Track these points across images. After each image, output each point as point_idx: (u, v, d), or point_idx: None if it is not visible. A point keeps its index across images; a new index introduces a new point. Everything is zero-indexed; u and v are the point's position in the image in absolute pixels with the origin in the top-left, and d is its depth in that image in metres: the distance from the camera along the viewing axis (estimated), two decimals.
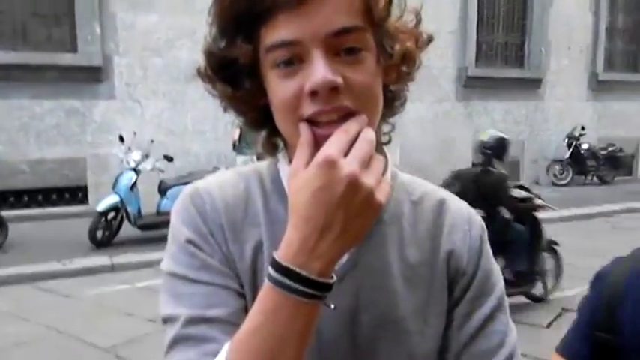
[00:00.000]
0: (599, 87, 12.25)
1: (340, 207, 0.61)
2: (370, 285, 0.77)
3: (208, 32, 0.71)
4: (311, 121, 0.67)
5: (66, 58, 7.93)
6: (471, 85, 10.81)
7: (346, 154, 0.62)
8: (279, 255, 0.63)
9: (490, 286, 0.81)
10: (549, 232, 5.62)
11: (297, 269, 0.61)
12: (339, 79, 0.64)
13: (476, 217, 0.85)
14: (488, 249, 0.83)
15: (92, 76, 8.10)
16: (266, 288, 0.63)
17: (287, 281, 0.61)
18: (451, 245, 0.81)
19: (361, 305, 0.76)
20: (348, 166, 0.60)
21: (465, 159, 11.11)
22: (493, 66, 11.28)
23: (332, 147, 0.61)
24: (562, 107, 11.97)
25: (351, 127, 0.64)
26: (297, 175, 0.63)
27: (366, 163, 0.62)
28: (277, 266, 0.62)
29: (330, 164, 0.60)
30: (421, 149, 10.48)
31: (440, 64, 10.35)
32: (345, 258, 0.74)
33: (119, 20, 8.19)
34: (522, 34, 11.55)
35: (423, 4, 0.78)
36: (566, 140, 11.38)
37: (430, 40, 0.78)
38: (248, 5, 0.65)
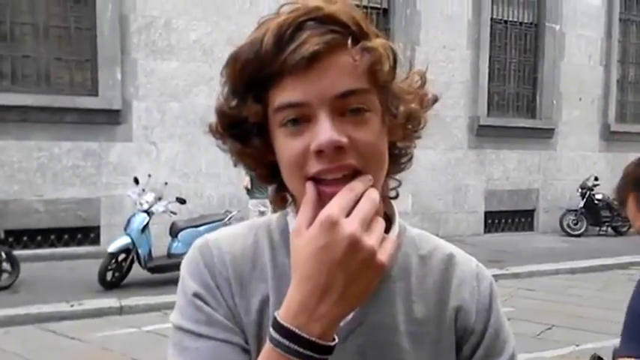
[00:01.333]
0: (611, 138, 12.25)
1: (341, 267, 0.61)
2: (376, 342, 0.76)
3: (221, 92, 0.74)
4: (317, 179, 0.68)
5: (86, 102, 8.13)
6: (483, 134, 10.88)
7: (349, 214, 0.62)
8: (280, 315, 0.63)
9: (500, 345, 0.80)
10: (562, 283, 5.54)
11: (297, 331, 0.61)
12: (344, 139, 0.66)
13: (485, 272, 0.84)
14: (497, 305, 0.82)
15: (111, 119, 8.28)
16: (267, 348, 0.63)
17: (287, 343, 0.61)
18: (459, 301, 0.80)
19: None
20: (349, 225, 0.61)
21: (477, 206, 11.08)
22: (505, 115, 11.36)
23: (334, 206, 0.62)
24: (575, 157, 11.96)
25: (355, 186, 0.65)
26: (300, 234, 0.64)
27: (368, 223, 0.63)
28: (277, 327, 0.62)
29: (331, 224, 0.61)
30: (433, 196, 10.46)
31: (452, 112, 10.46)
32: (350, 315, 0.74)
33: (140, 66, 8.43)
34: (534, 86, 11.67)
35: (427, 67, 0.80)
36: (580, 190, 11.30)
37: (435, 100, 0.79)
38: (258, 68, 0.68)
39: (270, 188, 0.80)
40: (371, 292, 0.65)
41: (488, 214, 11.17)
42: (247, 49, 0.69)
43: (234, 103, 0.73)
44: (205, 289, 0.75)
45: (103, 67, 8.21)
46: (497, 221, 11.37)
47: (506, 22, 11.32)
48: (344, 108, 0.68)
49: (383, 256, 0.62)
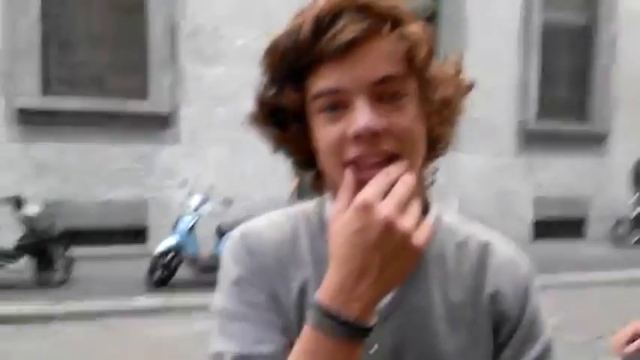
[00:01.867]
0: None
1: (376, 250, 0.62)
2: (413, 325, 0.77)
3: (260, 81, 0.76)
4: (355, 164, 0.70)
5: (137, 106, 8.39)
6: (532, 139, 10.61)
7: (385, 198, 0.63)
8: (320, 296, 0.65)
9: (536, 332, 0.80)
10: (614, 293, 5.35)
11: (336, 312, 0.63)
12: (381, 125, 0.67)
13: (523, 259, 0.84)
14: (534, 292, 0.82)
15: (160, 123, 8.51)
16: (307, 329, 0.65)
17: (326, 323, 0.63)
18: (496, 287, 0.80)
19: (405, 345, 0.77)
20: (384, 209, 0.62)
21: (525, 213, 10.80)
22: (555, 120, 11.05)
23: (369, 190, 0.64)
24: (629, 164, 11.51)
25: (391, 171, 0.66)
26: (337, 218, 0.66)
27: (403, 207, 0.63)
28: (317, 308, 0.64)
29: (366, 207, 0.62)
30: (480, 202, 10.27)
31: (500, 117, 10.25)
32: (388, 298, 0.76)
33: (188, 72, 8.63)
34: (586, 90, 11.31)
35: (462, 56, 0.80)
36: (634, 198, 10.87)
37: (471, 87, 0.79)
38: (297, 57, 0.70)
39: (309, 175, 0.81)
40: (407, 274, 0.66)
41: (537, 222, 10.88)
42: (285, 38, 0.71)
43: (272, 91, 0.75)
44: (247, 273, 0.78)
45: (153, 72, 8.45)
46: (546, 229, 11.06)
47: (557, 25, 11.02)
48: (381, 94, 0.69)
49: (419, 239, 0.63)
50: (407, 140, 0.70)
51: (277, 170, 8.50)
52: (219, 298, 0.79)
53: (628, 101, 11.39)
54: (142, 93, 8.53)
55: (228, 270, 0.79)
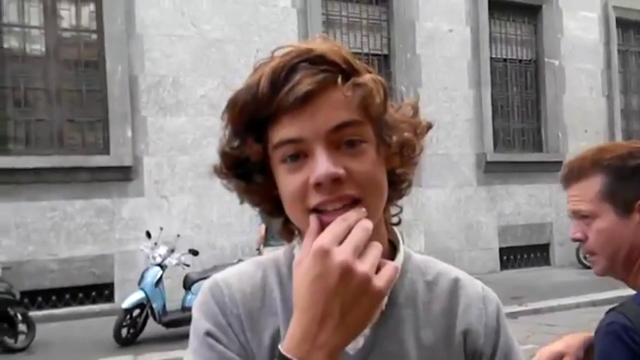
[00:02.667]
0: None
1: (336, 295, 0.62)
2: None
3: (222, 134, 0.78)
4: (318, 211, 0.71)
5: (98, 160, 8.29)
6: (492, 170, 10.89)
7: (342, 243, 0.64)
8: (284, 346, 0.64)
9: None
10: (584, 316, 5.42)
11: None
12: (341, 171, 0.69)
13: (491, 294, 0.85)
14: (505, 327, 0.83)
15: (122, 175, 8.41)
16: None
17: None
18: (467, 325, 0.81)
19: None
20: (341, 254, 0.63)
21: (491, 243, 10.98)
22: (512, 151, 11.41)
23: (326, 236, 0.65)
24: None
25: (348, 216, 0.68)
26: (299, 265, 0.66)
27: (360, 250, 0.64)
28: (281, 358, 0.64)
29: (323, 253, 0.63)
30: (446, 235, 10.40)
31: (459, 151, 10.52)
32: (360, 343, 0.76)
33: (149, 123, 8.62)
34: (538, 120, 11.76)
35: (419, 97, 0.84)
36: None
37: (429, 127, 0.82)
38: (256, 110, 0.72)
39: (276, 222, 0.82)
40: (372, 317, 0.66)
41: (503, 251, 11.05)
42: (245, 93, 0.73)
43: (235, 143, 0.76)
44: (217, 327, 0.77)
45: (113, 126, 8.40)
46: (512, 257, 11.24)
47: (505, 60, 11.52)
48: (339, 141, 0.71)
49: (380, 281, 0.64)
50: (368, 184, 0.71)
51: (243, 217, 8.47)
52: (189, 354, 0.78)
53: (577, 128, 11.87)
54: (103, 147, 8.45)
55: (198, 324, 0.78)
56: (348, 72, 0.72)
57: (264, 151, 0.75)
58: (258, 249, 7.81)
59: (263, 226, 7.66)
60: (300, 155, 0.72)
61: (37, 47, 8.36)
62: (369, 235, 0.66)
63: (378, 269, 0.65)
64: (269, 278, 0.82)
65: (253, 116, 0.73)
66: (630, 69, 13.03)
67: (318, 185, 0.69)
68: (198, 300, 0.81)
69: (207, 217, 8.79)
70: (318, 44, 0.73)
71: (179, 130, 8.76)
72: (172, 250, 7.05)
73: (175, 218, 8.61)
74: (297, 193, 0.72)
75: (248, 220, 8.29)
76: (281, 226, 0.82)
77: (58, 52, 8.35)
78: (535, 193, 11.42)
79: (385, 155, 0.76)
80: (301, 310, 0.64)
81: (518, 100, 11.66)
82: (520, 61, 11.68)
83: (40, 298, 7.96)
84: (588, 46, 12.09)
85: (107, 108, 8.39)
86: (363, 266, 0.63)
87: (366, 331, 0.76)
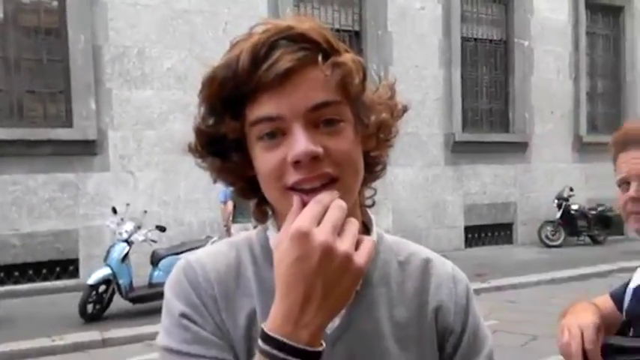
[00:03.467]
0: (584, 149, 12.51)
1: (318, 275, 0.63)
2: (362, 347, 0.78)
3: (198, 112, 0.77)
4: (295, 189, 0.71)
5: (61, 133, 8.06)
6: (459, 150, 11.03)
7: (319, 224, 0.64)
8: (267, 326, 0.64)
9: (479, 344, 0.83)
10: (543, 294, 5.59)
11: (285, 339, 0.63)
12: (319, 149, 0.69)
13: (460, 274, 0.88)
14: (474, 305, 0.86)
15: (87, 149, 8.21)
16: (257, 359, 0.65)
17: (275, 352, 0.63)
18: (438, 302, 0.83)
19: None
20: (320, 234, 0.63)
21: (457, 221, 11.18)
22: (479, 131, 11.56)
23: (303, 219, 0.64)
24: (550, 169, 12.18)
25: (323, 198, 0.68)
26: (279, 247, 0.66)
27: (339, 229, 0.65)
28: (265, 337, 0.64)
29: (302, 235, 0.63)
30: (413, 213, 10.54)
31: (428, 130, 10.60)
32: (336, 322, 0.77)
33: (114, 96, 8.40)
34: (506, 101, 11.92)
35: (396, 79, 0.84)
36: (556, 201, 11.48)
37: (405, 109, 0.82)
38: (235, 86, 0.71)
39: (251, 203, 0.82)
40: (352, 295, 0.66)
41: (468, 229, 11.27)
42: (223, 69, 0.72)
43: (211, 121, 0.76)
44: (191, 307, 0.76)
45: (76, 98, 8.16)
46: (477, 235, 11.48)
47: (476, 39, 11.58)
48: (317, 120, 0.71)
49: (360, 258, 0.64)
50: (346, 163, 0.72)
51: (211, 194, 8.39)
52: (162, 336, 0.77)
53: (544, 110, 12.09)
54: (65, 119, 8.21)
55: (171, 305, 0.77)
56: (328, 51, 0.72)
57: (242, 128, 0.74)
58: (225, 225, 7.77)
59: (230, 203, 7.61)
60: (277, 133, 0.71)
61: None
62: (345, 214, 0.67)
63: (356, 246, 0.66)
64: (243, 258, 0.82)
65: (232, 93, 0.72)
66: (597, 52, 13.27)
67: (296, 163, 0.69)
68: (171, 280, 0.80)
69: (174, 193, 8.68)
70: (299, 22, 0.72)
71: (145, 103, 8.57)
72: (139, 227, 6.96)
73: (142, 194, 8.47)
74: (274, 171, 0.71)
75: (216, 196, 8.21)
76: (254, 207, 0.82)
77: (16, 19, 8.03)
78: (500, 173, 11.64)
79: (362, 135, 0.76)
80: (283, 291, 0.64)
81: (487, 80, 11.78)
82: (490, 41, 11.77)
83: (2, 274, 7.78)
84: (557, 28, 12.25)
85: (69, 79, 8.14)
86: (343, 245, 0.64)
87: (342, 310, 0.76)
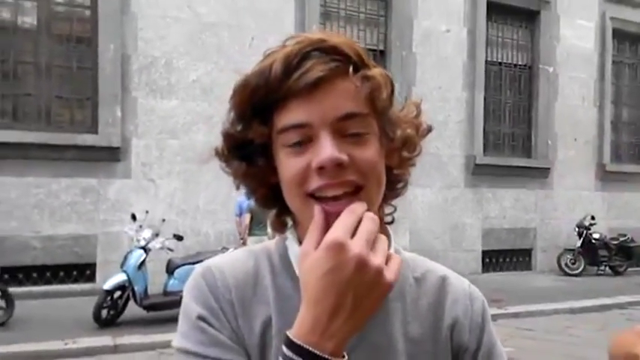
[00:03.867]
0: (606, 177, 12.34)
1: (350, 287, 0.63)
2: None
3: (227, 117, 0.78)
4: (317, 197, 0.72)
5: (86, 139, 8.20)
6: (480, 173, 10.95)
7: (353, 235, 0.65)
8: (293, 333, 0.65)
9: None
10: (561, 323, 5.48)
11: (310, 347, 0.63)
12: (344, 157, 0.70)
13: (477, 292, 0.88)
14: (490, 324, 0.85)
15: (110, 156, 8.34)
16: None
17: (298, 359, 0.63)
18: (453, 320, 0.83)
19: None
20: (355, 247, 0.63)
21: (475, 245, 11.06)
22: (501, 155, 11.48)
23: (339, 229, 0.65)
24: (571, 196, 12.02)
25: (356, 208, 0.69)
26: (308, 257, 0.66)
27: (372, 243, 0.65)
28: (290, 344, 0.64)
29: (338, 246, 0.63)
30: (431, 234, 10.46)
31: (448, 152, 10.56)
32: None
33: (139, 105, 8.54)
34: (529, 126, 11.83)
35: (422, 99, 0.85)
36: (577, 229, 11.30)
37: (430, 129, 0.84)
38: (266, 93, 0.73)
39: (271, 213, 0.83)
40: (379, 308, 0.67)
41: (485, 253, 11.14)
42: (256, 77, 0.74)
43: (240, 126, 0.77)
44: (209, 311, 0.76)
45: (103, 105, 8.32)
46: (494, 260, 11.33)
47: (500, 63, 11.56)
48: (344, 130, 0.72)
49: (390, 273, 0.65)
50: (371, 172, 0.73)
51: (229, 205, 8.45)
52: (179, 338, 0.77)
53: (567, 136, 11.96)
54: (91, 125, 8.37)
55: (189, 308, 0.78)
56: (358, 64, 0.74)
57: (269, 134, 0.76)
58: (242, 238, 7.80)
59: (248, 216, 7.65)
60: (304, 140, 0.73)
61: (29, 20, 8.22)
62: (378, 228, 0.68)
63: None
64: (261, 267, 0.82)
65: (262, 100, 0.74)
66: (623, 81, 13.13)
67: (320, 169, 0.70)
68: (190, 284, 0.80)
69: (193, 203, 8.75)
70: (331, 36, 0.74)
71: (169, 113, 8.69)
72: (157, 234, 7.02)
73: (161, 202, 8.56)
74: (297, 176, 0.72)
75: (234, 208, 8.27)
76: (274, 217, 0.83)
77: (50, 26, 8.24)
78: (521, 198, 11.51)
79: (387, 149, 0.77)
80: (313, 300, 0.65)
81: (510, 104, 11.72)
82: (515, 65, 11.72)
83: (20, 275, 7.89)
84: (583, 55, 12.16)
85: (97, 86, 8.30)
86: (377, 259, 0.64)
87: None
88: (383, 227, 0.83)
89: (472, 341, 0.82)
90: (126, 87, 8.46)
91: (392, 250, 0.83)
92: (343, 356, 0.65)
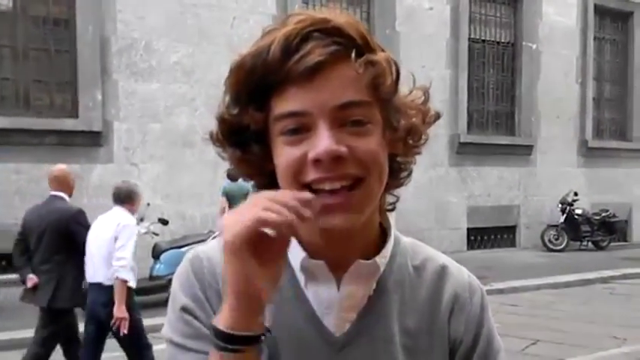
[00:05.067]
0: (589, 154, 12.48)
1: (229, 271, 0.64)
2: (371, 354, 0.77)
3: (222, 100, 0.74)
4: (314, 190, 0.69)
5: (67, 124, 8.07)
6: (464, 152, 11.00)
7: None
8: (215, 319, 0.66)
9: (493, 355, 0.82)
10: (545, 298, 5.58)
11: (218, 326, 0.64)
12: (342, 149, 0.67)
13: (476, 283, 0.86)
14: (489, 316, 0.84)
15: (92, 140, 8.22)
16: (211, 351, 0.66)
17: (216, 340, 0.65)
18: (451, 311, 0.81)
19: None
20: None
21: (460, 223, 11.15)
22: (485, 133, 11.53)
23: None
24: (554, 173, 12.14)
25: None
26: None
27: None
28: (210, 327, 0.66)
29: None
30: (416, 214, 10.51)
31: (433, 130, 10.35)
32: (346, 327, 0.76)
33: (121, 88, 8.40)
34: (512, 104, 11.88)
35: (431, 82, 0.82)
36: (560, 206, 11.45)
37: (438, 116, 0.81)
38: (264, 75, 0.69)
39: None
40: (244, 272, 0.64)
41: (470, 231, 11.25)
42: (253, 57, 0.69)
43: (235, 110, 0.73)
44: (194, 301, 0.76)
45: (83, 88, 8.17)
46: (479, 238, 11.45)
47: (484, 41, 11.54)
48: (344, 119, 0.69)
49: (227, 234, 0.63)
50: (371, 164, 0.70)
51: (213, 188, 8.39)
52: (166, 327, 0.77)
53: (550, 113, 12.04)
54: (71, 110, 8.22)
55: (176, 298, 0.77)
56: (362, 48, 0.69)
57: (265, 120, 0.72)
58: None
59: (223, 199, 7.62)
60: (301, 129, 0.69)
61: (4, 2, 8.01)
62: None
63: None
64: None
65: (259, 83, 0.70)
66: (605, 57, 13.21)
67: (316, 162, 0.67)
68: (179, 271, 0.80)
69: (177, 186, 8.69)
70: (336, 16, 0.70)
71: (151, 96, 8.57)
72: (142, 219, 6.96)
73: (145, 186, 8.45)
74: (293, 167, 0.70)
75: (218, 191, 8.22)
76: None
77: (26, 8, 8.04)
78: (505, 176, 11.60)
79: (390, 139, 0.74)
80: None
81: (493, 82, 11.74)
82: (498, 43, 11.72)
83: (3, 262, 7.79)
84: (565, 32, 12.19)
85: (76, 69, 8.14)
86: (226, 235, 0.63)
87: (353, 315, 0.77)
88: (383, 215, 0.82)
89: (469, 333, 0.81)
90: (106, 70, 8.30)
91: (392, 238, 0.82)
92: (253, 330, 0.64)
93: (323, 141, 0.67)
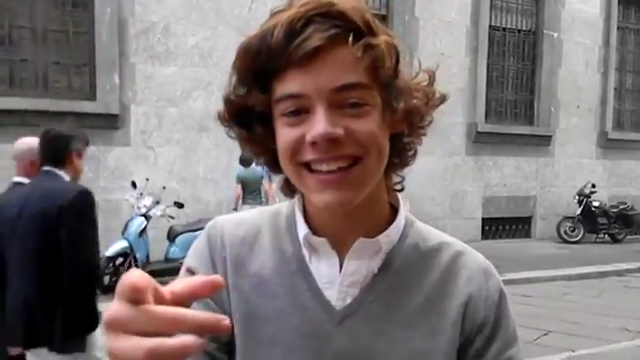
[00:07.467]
0: (608, 145, 12.29)
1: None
2: (369, 330, 0.77)
3: (229, 82, 0.76)
4: (312, 169, 0.72)
5: (84, 106, 8.12)
6: (481, 141, 10.90)
7: None
8: None
9: (511, 336, 0.82)
10: (558, 289, 5.53)
11: None
12: (339, 131, 0.69)
13: (492, 268, 0.85)
14: (506, 300, 0.83)
15: (109, 123, 8.27)
16: None
17: None
18: (467, 297, 0.80)
19: (359, 350, 0.77)
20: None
21: (475, 212, 11.09)
22: (503, 122, 11.40)
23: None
24: (572, 164, 12.00)
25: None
26: None
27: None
28: None
29: None
30: (431, 202, 10.48)
31: (450, 119, 10.48)
32: (348, 301, 0.78)
33: (138, 71, 8.43)
34: (531, 93, 11.71)
35: (438, 65, 0.82)
36: (577, 197, 11.32)
37: (444, 99, 0.82)
38: (265, 61, 0.70)
39: (280, 177, 0.83)
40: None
41: (485, 221, 11.18)
42: (258, 41, 0.71)
43: (241, 92, 0.75)
44: (201, 265, 0.80)
45: (101, 71, 8.21)
46: (494, 228, 11.38)
47: (504, 29, 11.37)
48: (342, 101, 0.70)
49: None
50: (370, 143, 0.71)
51: (229, 173, 8.43)
52: None
53: (570, 104, 11.86)
54: (89, 92, 8.28)
55: (187, 259, 0.83)
56: (363, 32, 0.70)
57: (269, 102, 0.74)
58: (235, 208, 7.84)
59: (238, 186, 7.68)
60: (301, 111, 0.71)
61: None
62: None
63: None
64: (264, 227, 0.85)
65: (262, 66, 0.71)
66: (628, 47, 12.95)
67: (313, 144, 0.70)
68: (198, 238, 0.86)
69: (193, 170, 8.73)
70: (343, 0, 0.71)
71: (168, 80, 8.59)
72: (157, 202, 7.03)
73: (161, 170, 8.54)
74: (291, 147, 0.72)
75: (234, 176, 8.26)
76: (283, 181, 0.83)
77: None
78: (522, 166, 11.49)
79: (390, 121, 0.75)
80: None
81: (513, 70, 11.58)
82: (519, 30, 11.53)
83: None
84: (588, 21, 11.95)
85: (94, 52, 8.17)
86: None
87: (355, 291, 0.78)
88: (391, 194, 0.83)
89: (489, 316, 0.80)
90: (123, 53, 8.33)
91: (401, 218, 0.83)
92: None
93: (319, 124, 0.68)
